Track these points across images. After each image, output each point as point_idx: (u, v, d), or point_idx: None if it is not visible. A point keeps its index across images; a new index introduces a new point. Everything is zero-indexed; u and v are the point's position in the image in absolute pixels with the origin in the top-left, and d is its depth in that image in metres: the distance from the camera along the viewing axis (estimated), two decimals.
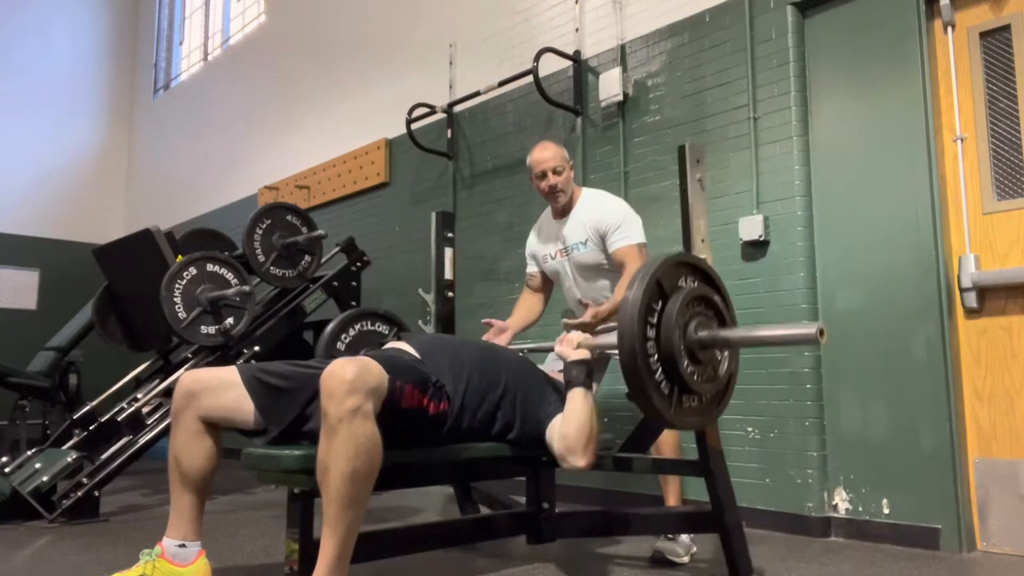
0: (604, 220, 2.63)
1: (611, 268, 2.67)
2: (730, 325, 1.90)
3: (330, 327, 2.73)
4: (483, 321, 2.71)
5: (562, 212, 2.76)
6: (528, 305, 2.92)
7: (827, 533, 2.82)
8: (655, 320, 1.74)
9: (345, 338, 2.76)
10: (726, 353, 1.87)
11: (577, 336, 2.08)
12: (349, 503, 1.62)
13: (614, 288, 2.66)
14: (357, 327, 2.81)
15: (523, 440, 2.08)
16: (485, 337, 2.66)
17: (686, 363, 1.75)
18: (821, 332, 1.62)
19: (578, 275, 2.74)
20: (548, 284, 2.94)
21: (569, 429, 1.94)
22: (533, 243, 2.91)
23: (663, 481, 2.60)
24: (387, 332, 2.85)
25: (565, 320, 2.48)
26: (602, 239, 2.63)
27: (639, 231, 2.64)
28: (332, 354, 2.65)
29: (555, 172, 2.68)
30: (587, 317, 2.40)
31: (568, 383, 2.00)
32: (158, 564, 1.85)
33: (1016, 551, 2.51)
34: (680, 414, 1.79)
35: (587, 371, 1.99)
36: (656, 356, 1.73)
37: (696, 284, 1.87)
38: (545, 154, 2.69)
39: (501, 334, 2.68)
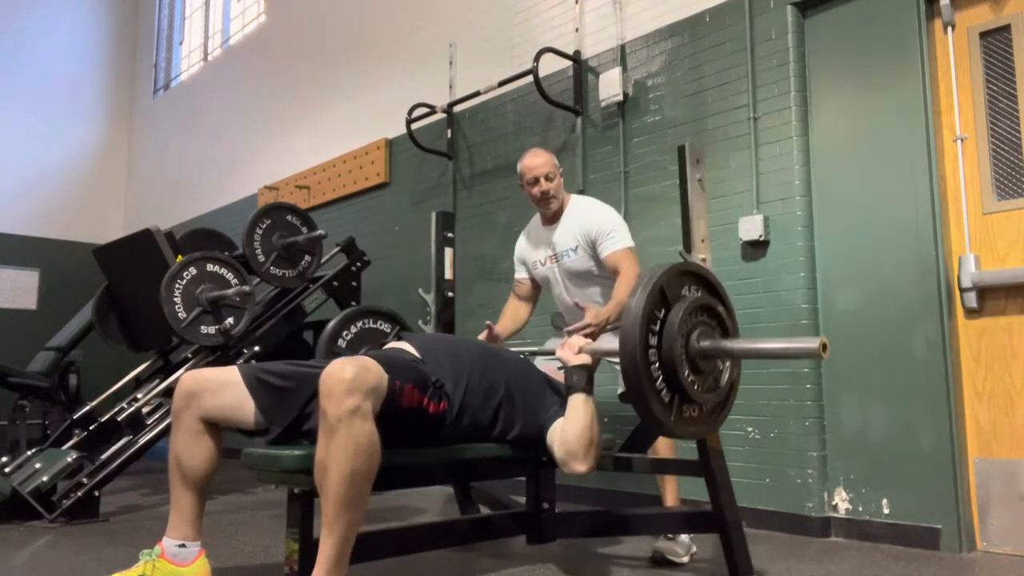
0: (594, 227, 2.63)
1: (601, 274, 2.67)
2: (733, 335, 1.89)
3: (331, 324, 2.74)
4: (487, 323, 2.70)
5: (552, 218, 2.76)
6: (514, 312, 2.91)
7: (827, 533, 2.82)
8: (657, 328, 1.74)
9: (347, 335, 2.77)
10: (728, 363, 1.87)
11: (579, 341, 2.07)
12: (348, 503, 1.62)
13: (604, 294, 2.66)
14: (359, 324, 2.82)
15: (523, 441, 2.08)
16: (479, 338, 2.66)
17: (687, 372, 1.74)
18: (824, 347, 1.60)
19: (568, 281, 2.74)
20: (536, 291, 2.94)
21: (570, 436, 1.93)
22: (523, 249, 2.90)
23: (661, 481, 2.60)
24: (389, 330, 2.87)
25: (566, 329, 2.46)
26: (592, 245, 2.64)
27: (627, 236, 2.65)
28: (333, 351, 2.65)
29: (547, 179, 2.69)
30: (588, 319, 2.40)
31: (569, 388, 1.99)
32: (158, 564, 1.85)
33: (1016, 551, 2.51)
34: (680, 423, 1.78)
35: (588, 376, 1.99)
36: (657, 364, 1.73)
37: (700, 294, 1.86)
38: (536, 160, 2.71)
39: (494, 341, 2.67)
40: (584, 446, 1.90)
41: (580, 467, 1.91)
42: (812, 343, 1.62)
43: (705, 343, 1.77)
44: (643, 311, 1.69)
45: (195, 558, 1.89)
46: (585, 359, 2.01)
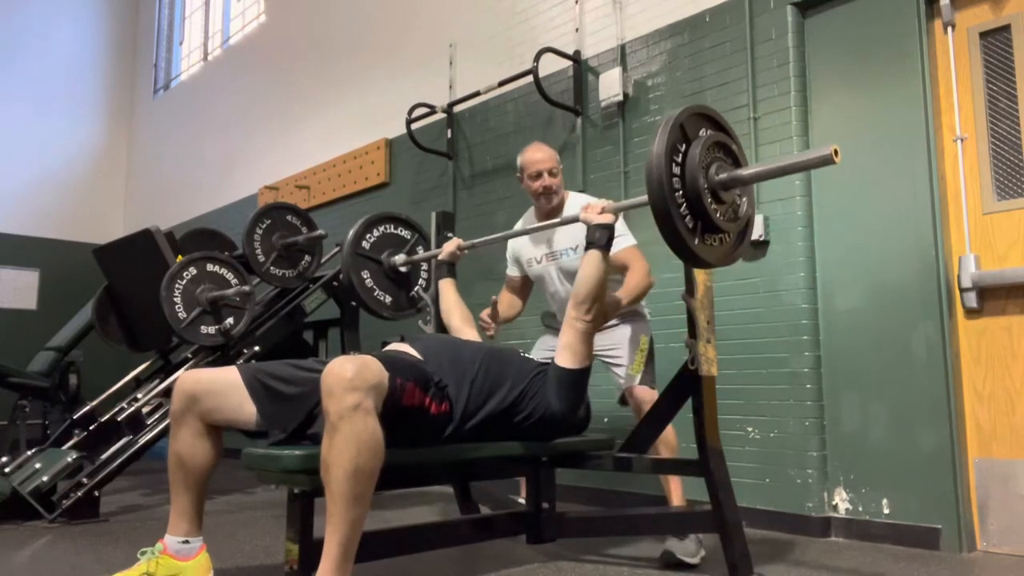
0: None
1: None
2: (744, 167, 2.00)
3: (354, 229, 2.88)
4: (492, 297, 2.71)
5: (549, 215, 2.73)
6: (509, 302, 2.92)
7: (827, 533, 2.82)
8: (680, 160, 1.84)
9: (370, 238, 2.92)
10: (744, 198, 1.96)
11: (602, 203, 2.23)
12: (352, 500, 1.62)
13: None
14: (380, 229, 2.96)
15: (538, 427, 2.13)
16: (480, 315, 2.67)
17: (709, 200, 1.84)
18: (836, 152, 1.68)
19: (565, 280, 2.71)
20: (527, 287, 2.94)
21: (581, 286, 2.13)
22: (516, 246, 2.88)
23: (665, 481, 2.59)
24: (409, 237, 3.02)
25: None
26: None
27: (630, 233, 2.66)
28: (357, 252, 2.84)
29: (551, 173, 2.67)
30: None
31: (589, 244, 2.16)
32: (161, 560, 1.86)
33: (1016, 551, 2.51)
34: (704, 248, 1.87)
35: (609, 235, 2.16)
36: (681, 192, 1.83)
37: (714, 132, 1.95)
38: (540, 155, 2.69)
39: (494, 318, 2.67)
40: (592, 298, 2.12)
41: (585, 316, 2.12)
42: (825, 150, 1.69)
43: (723, 175, 1.87)
44: (667, 144, 1.80)
45: (197, 553, 1.91)
46: (609, 218, 2.17)
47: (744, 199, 1.96)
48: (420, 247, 3.04)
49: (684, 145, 1.85)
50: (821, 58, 3.06)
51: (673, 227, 1.79)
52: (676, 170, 1.82)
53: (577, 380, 2.16)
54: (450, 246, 2.72)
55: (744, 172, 1.88)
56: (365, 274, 2.89)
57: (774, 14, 3.14)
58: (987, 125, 2.71)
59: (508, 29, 4.34)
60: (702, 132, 1.91)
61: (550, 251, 2.73)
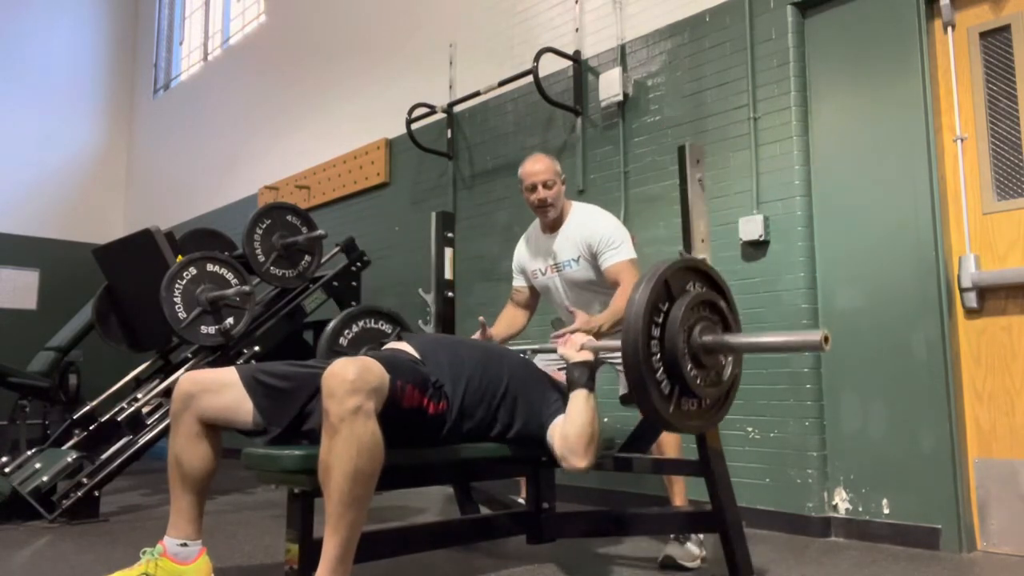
0: (595, 237, 2.59)
1: (602, 284, 2.62)
2: (735, 331, 1.89)
3: (332, 323, 2.77)
4: (480, 319, 2.67)
5: (552, 226, 2.72)
6: (511, 319, 2.89)
7: (827, 533, 2.83)
8: (660, 320, 1.75)
9: (348, 334, 2.80)
10: (730, 359, 1.87)
11: (581, 338, 2.08)
12: (351, 502, 1.62)
13: (605, 304, 2.59)
14: (360, 324, 2.85)
15: (523, 440, 2.07)
16: (473, 337, 2.64)
17: (689, 366, 1.75)
18: (826, 339, 1.61)
19: (570, 291, 2.70)
20: (534, 299, 2.92)
21: (570, 430, 1.94)
22: (522, 257, 2.87)
23: (668, 482, 2.58)
24: (390, 331, 2.89)
25: (553, 335, 2.34)
26: (594, 256, 2.60)
27: (630, 247, 2.61)
28: (335, 350, 2.67)
29: (545, 186, 2.64)
30: (579, 324, 2.34)
31: (570, 384, 2.00)
32: (160, 563, 1.86)
33: (1016, 551, 2.52)
34: (679, 416, 1.78)
35: (590, 373, 2.00)
36: (659, 355, 1.73)
37: (703, 289, 1.87)
38: (537, 166, 2.66)
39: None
40: (584, 443, 1.91)
41: (579, 463, 1.92)
42: (814, 336, 1.63)
43: (707, 337, 1.77)
44: (647, 303, 1.69)
45: (196, 556, 1.90)
46: (587, 356, 2.03)
47: (730, 359, 1.86)
48: None
49: (667, 304, 1.76)
50: (821, 58, 3.06)
51: (646, 395, 1.67)
52: (656, 332, 1.72)
53: None
54: None
55: (731, 340, 1.79)
56: None
57: (774, 14, 3.14)
58: (987, 125, 2.71)
59: (508, 29, 4.34)
60: (689, 287, 1.83)
61: (554, 262, 2.72)
